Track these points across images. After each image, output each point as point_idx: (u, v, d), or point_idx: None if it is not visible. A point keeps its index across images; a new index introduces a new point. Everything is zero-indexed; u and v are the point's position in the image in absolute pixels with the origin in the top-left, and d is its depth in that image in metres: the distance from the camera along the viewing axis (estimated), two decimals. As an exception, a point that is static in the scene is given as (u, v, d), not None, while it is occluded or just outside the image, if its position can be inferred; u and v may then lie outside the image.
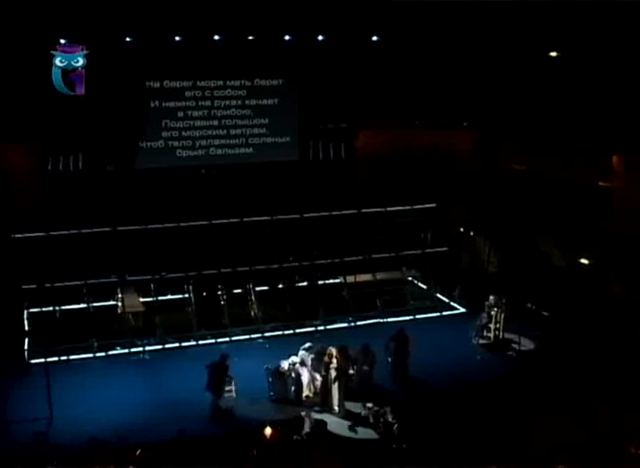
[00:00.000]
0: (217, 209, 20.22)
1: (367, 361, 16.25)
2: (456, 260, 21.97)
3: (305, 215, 20.80)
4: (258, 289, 19.97)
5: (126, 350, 18.10)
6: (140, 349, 18.15)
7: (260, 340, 18.83)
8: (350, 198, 21.65)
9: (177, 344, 18.50)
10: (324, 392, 15.54)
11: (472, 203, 22.42)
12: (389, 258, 21.16)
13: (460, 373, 16.75)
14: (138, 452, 12.53)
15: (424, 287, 21.78)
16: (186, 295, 19.56)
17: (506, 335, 18.70)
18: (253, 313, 19.63)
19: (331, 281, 21.14)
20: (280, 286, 20.68)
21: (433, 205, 22.00)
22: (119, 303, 19.07)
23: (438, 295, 21.24)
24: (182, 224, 19.76)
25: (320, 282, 20.84)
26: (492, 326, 18.65)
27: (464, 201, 22.47)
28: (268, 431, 13.28)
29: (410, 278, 21.96)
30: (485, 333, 18.76)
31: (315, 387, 15.85)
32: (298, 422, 14.03)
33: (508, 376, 16.83)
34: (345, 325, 19.70)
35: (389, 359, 16.69)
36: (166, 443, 13.10)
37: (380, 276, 20.93)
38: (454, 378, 16.48)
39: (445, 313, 20.60)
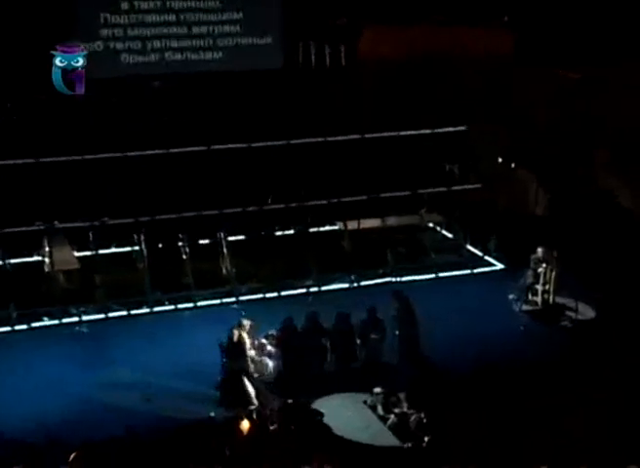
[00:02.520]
0: (176, 133, 20.01)
1: (374, 330, 16.28)
2: (492, 201, 21.83)
3: (293, 142, 20.56)
4: (230, 238, 19.89)
5: (56, 321, 17.95)
6: (76, 319, 18.00)
7: (235, 306, 18.73)
8: (352, 119, 21.47)
9: (124, 312, 18.39)
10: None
11: (514, 124, 22.16)
12: (404, 198, 21.10)
13: (496, 350, 16.59)
14: (72, 457, 12.16)
15: (450, 236, 21.89)
16: (136, 248, 19.47)
17: (559, 300, 18.63)
18: (224, 270, 19.58)
19: (327, 228, 21.29)
20: (260, 234, 20.67)
21: (462, 128, 21.77)
22: (46, 259, 18.87)
23: (468, 247, 21.30)
24: (130, 154, 19.38)
25: (312, 229, 20.94)
26: (539, 287, 18.55)
27: (503, 122, 22.24)
28: (245, 425, 13.23)
29: (431, 224, 22.04)
30: (530, 297, 18.69)
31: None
32: (286, 412, 14.01)
33: (561, 353, 16.78)
34: (346, 285, 19.74)
35: (396, 332, 16.64)
36: (109, 443, 13.02)
37: (391, 222, 20.96)
38: (488, 356, 16.24)
39: (477, 270, 20.58)
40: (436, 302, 17.86)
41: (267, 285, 19.37)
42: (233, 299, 18.92)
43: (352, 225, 20.68)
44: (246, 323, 15.69)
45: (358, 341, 16.25)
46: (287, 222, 20.86)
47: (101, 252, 19.42)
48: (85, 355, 16.63)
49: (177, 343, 16.73)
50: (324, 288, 19.53)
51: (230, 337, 15.33)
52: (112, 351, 16.80)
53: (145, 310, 18.50)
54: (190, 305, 18.69)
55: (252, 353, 15.65)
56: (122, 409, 14.64)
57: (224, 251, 19.64)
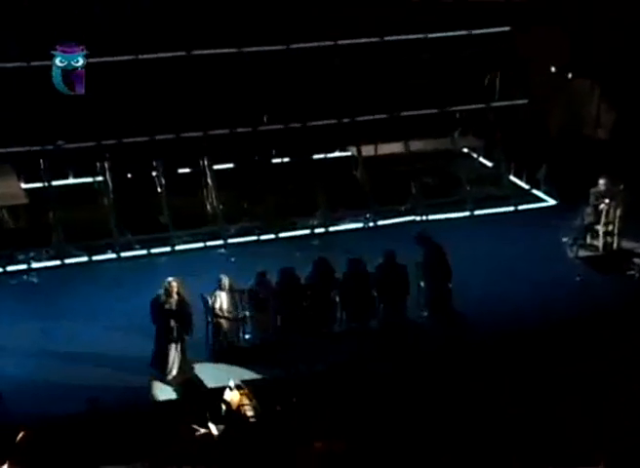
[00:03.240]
0: (148, 34, 19.57)
1: (395, 280, 16.13)
2: (542, 121, 21.73)
3: (294, 46, 20.25)
4: (217, 167, 19.79)
5: (-1, 269, 17.58)
6: (24, 267, 17.94)
7: (222, 251, 18.78)
8: (367, 17, 20.78)
9: (84, 258, 18.33)
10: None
11: (572, 21, 21.77)
12: (431, 117, 20.97)
13: (546, 305, 16.57)
14: (20, 436, 12.34)
15: (489, 164, 21.86)
16: (99, 179, 19.37)
17: (624, 244, 18.74)
18: (209, 207, 19.55)
19: (336, 154, 21.20)
20: (253, 162, 20.56)
21: (505, 28, 21.34)
22: (-15, 193, 19.01)
23: (511, 178, 21.27)
24: (92, 60, 18.44)
25: (318, 156, 20.83)
26: (601, 228, 18.60)
27: (558, 20, 21.65)
28: (235, 396, 13.27)
29: (465, 150, 22.01)
30: (590, 240, 18.74)
31: None
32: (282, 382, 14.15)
33: (625, 309, 16.61)
34: (360, 225, 19.76)
35: (421, 283, 16.62)
36: (67, 420, 13.07)
37: (416, 146, 20.82)
38: (536, 313, 16.37)
39: (523, 207, 20.56)
40: (471, 247, 17.75)
41: (262, 224, 19.21)
42: (220, 242, 18.85)
43: (368, 151, 20.55)
44: (225, 281, 15.42)
45: (375, 294, 16.12)
46: (287, 147, 20.63)
47: (56, 183, 19.26)
48: (36, 311, 16.49)
49: (149, 297, 15.90)
50: (332, 228, 19.45)
51: (165, 293, 14.92)
52: (69, 306, 16.68)
53: (111, 256, 18.45)
54: (167, 250, 18.62)
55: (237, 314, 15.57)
56: (81, 377, 14.50)
57: (209, 182, 19.54)
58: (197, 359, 15.16)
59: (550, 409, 13.56)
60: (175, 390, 14.56)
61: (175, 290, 14.89)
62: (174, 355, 14.90)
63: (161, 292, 14.87)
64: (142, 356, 15.09)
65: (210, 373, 14.87)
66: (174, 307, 14.83)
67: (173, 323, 14.78)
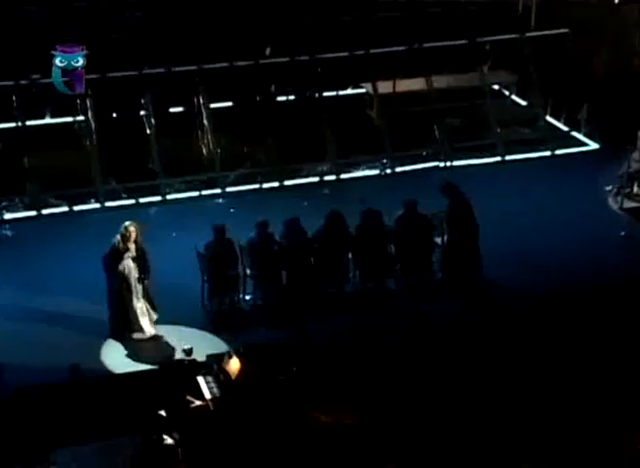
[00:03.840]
0: None
1: (415, 232, 16.12)
2: (584, 54, 21.61)
3: None
4: (213, 106, 19.95)
5: (-29, 220, 17.52)
6: None
7: (220, 200, 18.90)
8: None
9: (64, 209, 18.46)
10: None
11: None
12: (457, 49, 21.00)
13: (585, 264, 16.56)
14: None
15: (523, 102, 22.06)
16: (81, 118, 19.43)
17: None
18: (205, 151, 19.60)
19: (349, 92, 21.40)
20: (255, 101, 20.74)
21: None
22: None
23: (548, 119, 21.32)
24: None
25: (328, 93, 20.93)
26: None
27: None
28: (235, 364, 13.22)
29: (495, 87, 22.12)
30: (636, 190, 18.80)
31: None
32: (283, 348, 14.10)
33: None
34: (376, 172, 19.82)
35: (438, 239, 16.60)
36: (46, 390, 13.04)
37: (440, 83, 20.96)
38: (572, 274, 16.23)
39: (560, 151, 20.54)
40: (501, 196, 17.86)
41: (265, 171, 19.23)
42: (217, 191, 18.92)
43: (385, 88, 20.51)
44: (222, 232, 15.32)
45: (392, 250, 16.08)
46: (292, 83, 20.69)
47: (31, 123, 19.37)
48: (10, 267, 16.50)
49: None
50: (344, 175, 19.47)
51: (123, 240, 14.69)
52: (48, 262, 16.71)
53: (95, 205, 18.51)
54: (157, 199, 18.69)
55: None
56: (62, 341, 14.53)
57: (205, 123, 19.59)
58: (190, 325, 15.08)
59: (585, 384, 13.40)
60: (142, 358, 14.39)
61: (133, 235, 14.73)
62: (142, 306, 14.76)
63: (117, 238, 14.64)
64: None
65: (203, 341, 14.72)
66: (134, 255, 14.68)
67: (135, 273, 14.61)
